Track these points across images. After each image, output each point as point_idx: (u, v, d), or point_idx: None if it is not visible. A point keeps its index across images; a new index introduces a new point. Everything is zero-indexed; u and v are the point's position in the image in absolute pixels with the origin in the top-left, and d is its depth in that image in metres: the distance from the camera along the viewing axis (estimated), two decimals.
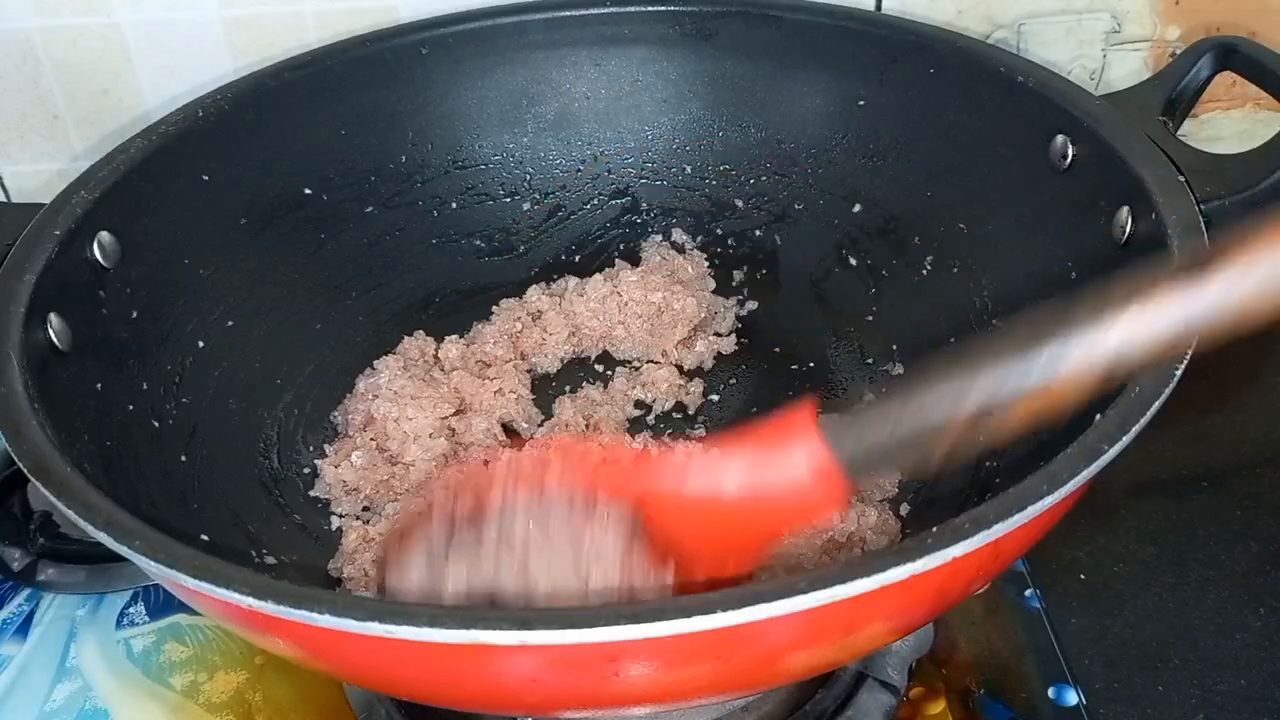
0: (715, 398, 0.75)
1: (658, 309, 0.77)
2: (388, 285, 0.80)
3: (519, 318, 0.78)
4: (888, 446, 0.45)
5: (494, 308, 0.79)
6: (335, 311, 0.77)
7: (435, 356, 0.76)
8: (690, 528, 0.47)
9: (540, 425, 0.73)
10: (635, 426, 0.73)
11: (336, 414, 0.73)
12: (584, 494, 0.47)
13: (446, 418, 0.71)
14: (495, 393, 0.72)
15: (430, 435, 0.69)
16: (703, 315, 0.78)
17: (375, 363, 0.75)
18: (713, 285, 0.81)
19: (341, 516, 0.68)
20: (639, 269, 0.80)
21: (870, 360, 0.75)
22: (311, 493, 0.69)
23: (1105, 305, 0.43)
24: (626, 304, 0.78)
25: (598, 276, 0.79)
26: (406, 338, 0.77)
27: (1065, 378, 0.42)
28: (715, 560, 0.48)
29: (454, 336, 0.77)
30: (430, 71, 0.79)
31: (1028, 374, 0.43)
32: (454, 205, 0.82)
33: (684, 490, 0.47)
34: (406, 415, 0.70)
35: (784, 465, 0.46)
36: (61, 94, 0.85)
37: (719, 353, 0.77)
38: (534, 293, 0.80)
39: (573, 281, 0.80)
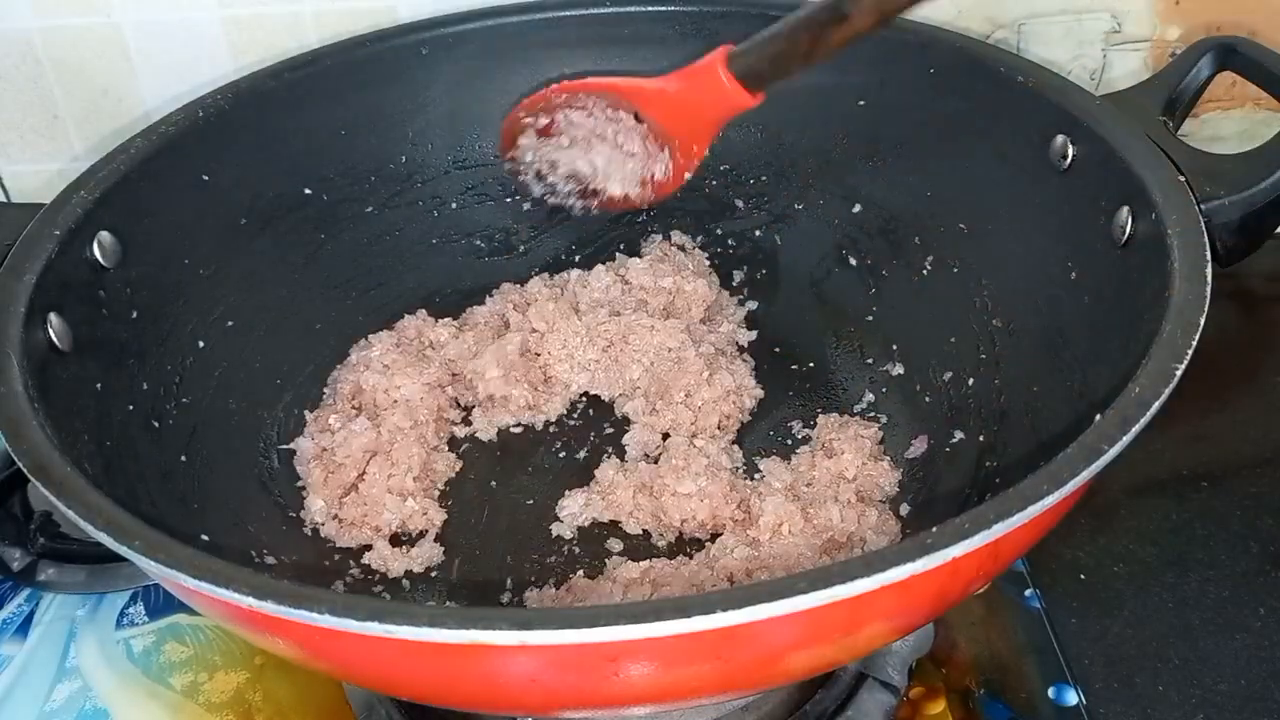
0: None
1: (669, 294, 0.77)
2: (387, 285, 0.80)
3: (513, 301, 0.79)
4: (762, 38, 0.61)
5: (492, 293, 0.81)
6: (335, 311, 0.77)
7: (429, 340, 0.77)
8: (663, 119, 0.67)
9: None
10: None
11: (327, 388, 0.74)
12: (608, 107, 0.69)
13: (433, 385, 0.72)
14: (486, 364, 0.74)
15: (420, 400, 0.71)
16: (715, 296, 0.78)
17: (370, 336, 0.76)
18: (717, 280, 0.81)
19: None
20: (646, 258, 0.81)
21: (870, 360, 0.75)
22: (298, 484, 0.69)
23: None
24: (634, 290, 0.78)
25: (600, 267, 0.79)
26: (407, 315, 0.78)
27: None
28: (683, 146, 0.68)
29: (448, 319, 0.78)
30: (430, 71, 0.79)
31: None
32: (454, 205, 0.82)
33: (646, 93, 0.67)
34: (395, 384, 0.71)
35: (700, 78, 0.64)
36: (61, 94, 0.85)
37: (736, 343, 0.78)
38: (535, 284, 0.80)
39: (575, 273, 0.81)
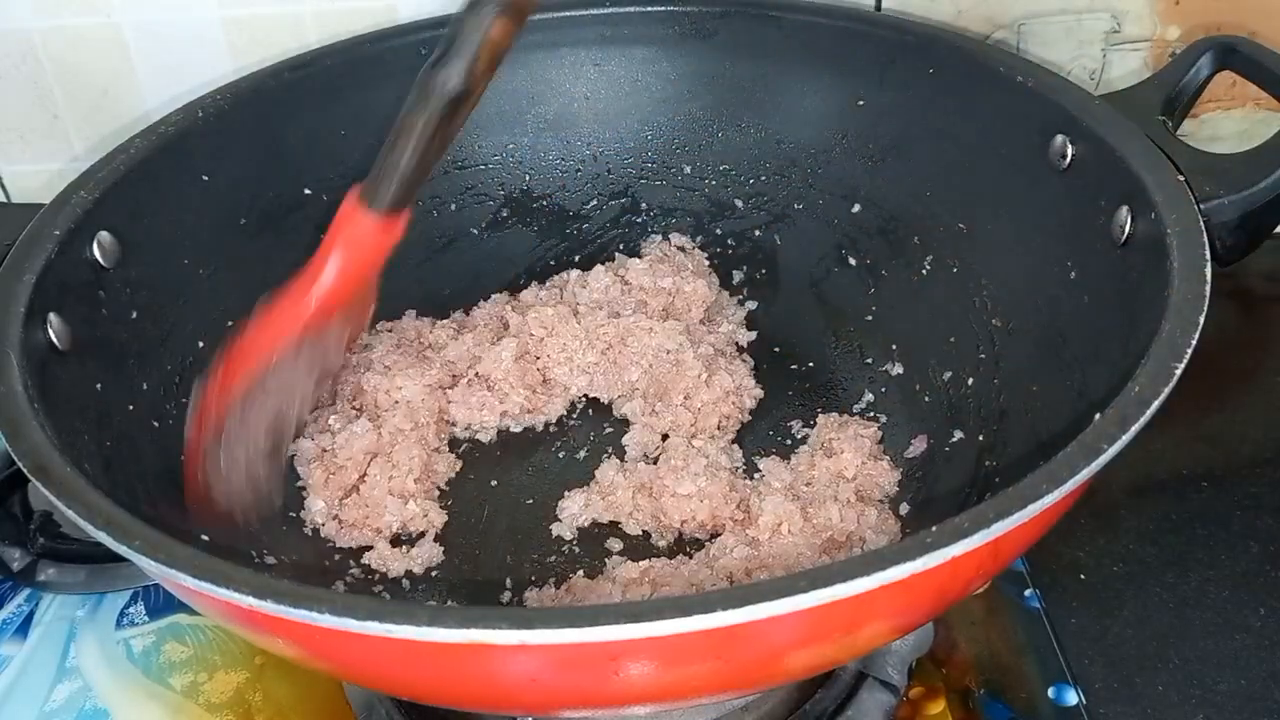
0: None
1: (669, 294, 0.77)
2: (386, 285, 0.79)
3: (512, 303, 0.79)
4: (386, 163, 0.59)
5: (490, 295, 0.81)
6: None
7: (428, 342, 0.77)
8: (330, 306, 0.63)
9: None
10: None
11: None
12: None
13: (434, 386, 0.72)
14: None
15: (420, 401, 0.71)
16: (714, 296, 0.79)
17: (369, 337, 0.76)
18: (717, 280, 0.81)
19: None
20: (646, 258, 0.81)
21: (870, 360, 0.75)
22: (298, 484, 0.69)
23: None
24: (633, 291, 0.78)
25: (599, 268, 0.79)
26: (405, 315, 0.78)
27: None
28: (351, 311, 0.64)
29: (445, 321, 0.78)
30: None
31: None
32: (453, 206, 0.82)
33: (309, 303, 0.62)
34: (395, 385, 0.71)
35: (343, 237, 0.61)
36: (61, 94, 0.85)
37: (736, 343, 0.78)
38: (533, 287, 0.80)
39: (575, 274, 0.81)
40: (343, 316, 0.64)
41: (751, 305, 0.81)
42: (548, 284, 0.81)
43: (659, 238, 0.83)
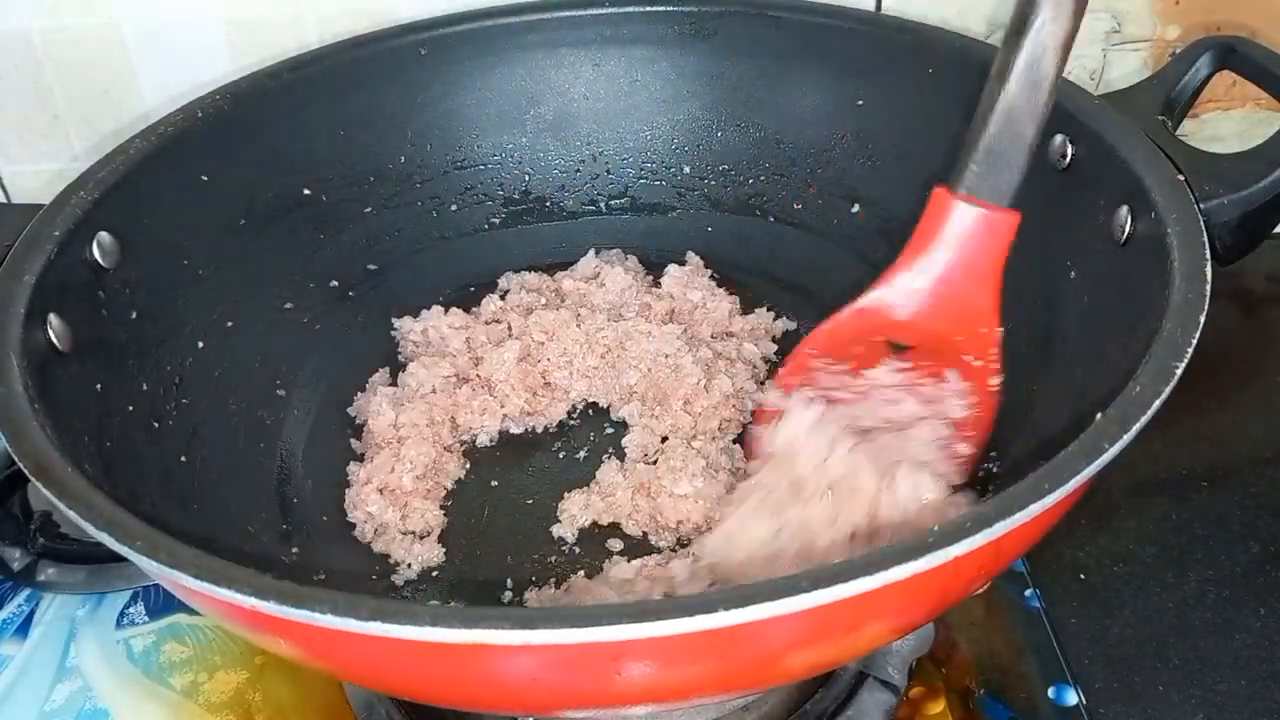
0: None
1: (692, 306, 0.78)
2: (386, 285, 0.80)
3: (514, 306, 0.79)
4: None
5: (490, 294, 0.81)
6: (334, 312, 0.77)
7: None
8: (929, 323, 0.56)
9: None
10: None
11: (351, 410, 0.74)
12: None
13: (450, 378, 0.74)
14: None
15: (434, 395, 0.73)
16: (730, 324, 0.78)
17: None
18: (739, 308, 0.81)
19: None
20: (686, 268, 0.81)
21: None
22: (305, 480, 0.69)
23: None
24: (644, 294, 0.79)
25: (618, 268, 0.80)
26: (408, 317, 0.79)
27: None
28: (968, 342, 0.56)
29: (451, 322, 0.78)
30: (430, 72, 0.79)
31: None
32: (453, 206, 0.82)
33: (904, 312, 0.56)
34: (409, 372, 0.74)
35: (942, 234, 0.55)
36: (61, 94, 0.85)
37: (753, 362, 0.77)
38: (530, 293, 0.80)
39: (589, 267, 0.81)
40: (945, 350, 0.55)
41: (790, 325, 0.79)
42: (556, 276, 0.81)
43: (694, 254, 0.83)
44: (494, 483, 0.71)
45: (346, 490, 0.68)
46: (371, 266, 0.79)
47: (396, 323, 0.78)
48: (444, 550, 0.66)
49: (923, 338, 0.56)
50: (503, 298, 0.79)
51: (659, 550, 0.66)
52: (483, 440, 0.73)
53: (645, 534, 0.67)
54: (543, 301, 0.79)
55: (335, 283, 0.77)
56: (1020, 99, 0.54)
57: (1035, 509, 0.42)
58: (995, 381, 0.57)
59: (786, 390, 0.62)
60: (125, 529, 0.45)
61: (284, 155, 0.75)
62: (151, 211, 0.66)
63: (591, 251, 0.82)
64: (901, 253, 0.56)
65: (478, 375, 0.74)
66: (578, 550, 0.66)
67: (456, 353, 0.75)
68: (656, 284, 0.80)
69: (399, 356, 0.77)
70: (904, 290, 0.56)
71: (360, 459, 0.70)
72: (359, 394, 0.74)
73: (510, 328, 0.76)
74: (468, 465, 0.71)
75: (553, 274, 0.82)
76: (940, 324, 0.56)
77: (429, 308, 0.78)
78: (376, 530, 0.67)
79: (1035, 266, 0.66)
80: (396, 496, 0.67)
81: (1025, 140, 0.54)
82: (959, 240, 0.55)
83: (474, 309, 0.79)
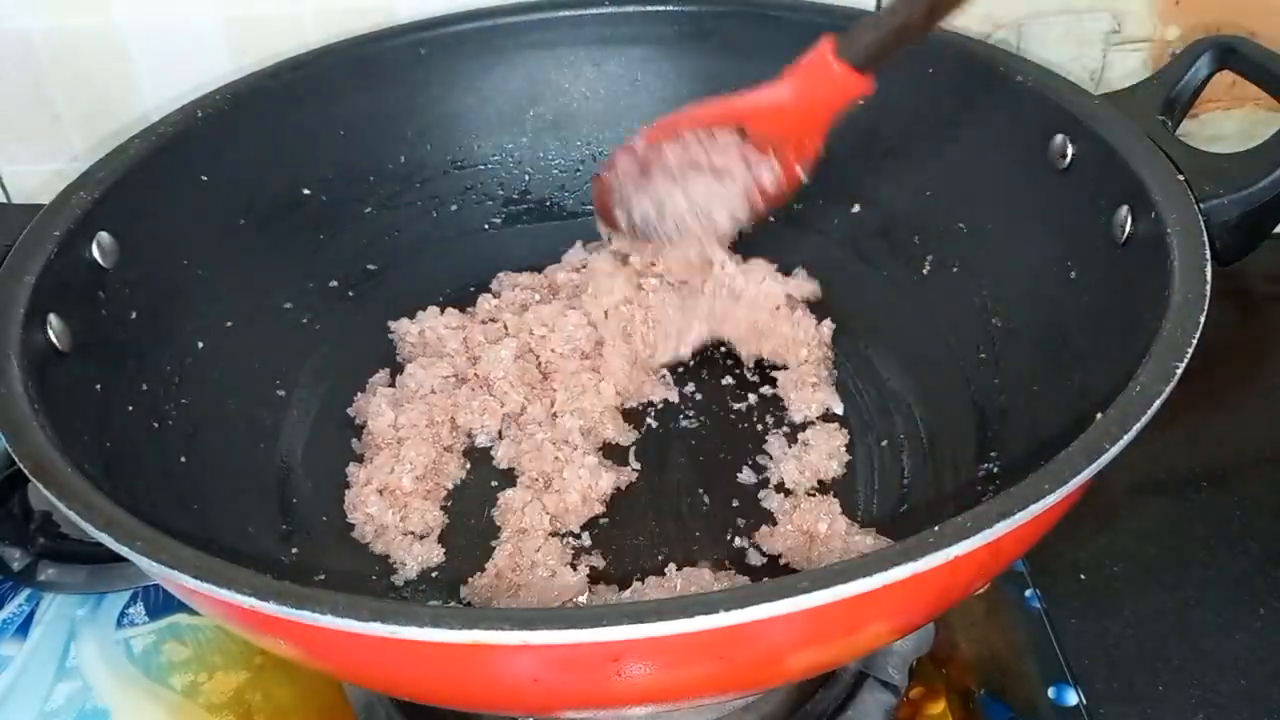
0: (701, 396, 0.75)
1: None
2: (386, 285, 0.80)
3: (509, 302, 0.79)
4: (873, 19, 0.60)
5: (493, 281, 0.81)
6: (334, 311, 0.77)
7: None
8: (771, 128, 0.66)
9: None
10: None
11: (351, 410, 0.74)
12: (703, 131, 0.68)
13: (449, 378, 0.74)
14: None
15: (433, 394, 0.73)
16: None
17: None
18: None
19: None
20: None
21: (870, 360, 0.75)
22: (305, 481, 0.69)
23: None
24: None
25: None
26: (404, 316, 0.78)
27: None
28: (794, 145, 0.66)
29: (448, 321, 0.78)
30: (429, 71, 0.79)
31: None
32: (453, 206, 0.82)
33: (756, 109, 0.66)
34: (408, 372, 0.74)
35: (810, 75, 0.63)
36: (61, 94, 0.85)
37: None
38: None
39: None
40: (776, 142, 0.66)
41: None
42: (547, 271, 0.81)
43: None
44: (494, 482, 0.71)
45: (346, 491, 0.68)
46: (371, 266, 0.79)
47: (393, 325, 0.77)
48: (444, 550, 0.66)
49: (763, 130, 0.66)
50: (497, 297, 0.80)
51: None
52: (482, 440, 0.73)
53: None
54: (536, 298, 0.79)
55: (335, 283, 0.77)
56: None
57: (1035, 509, 0.42)
58: (801, 173, 0.67)
59: (650, 141, 0.70)
60: (125, 529, 0.45)
61: (284, 155, 0.75)
62: (151, 211, 0.66)
63: (579, 243, 0.82)
64: (781, 73, 0.65)
65: (475, 375, 0.74)
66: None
67: (454, 353, 0.75)
68: None
69: (397, 358, 0.77)
70: (768, 97, 0.65)
71: (360, 460, 0.70)
72: (359, 394, 0.74)
73: (506, 326, 0.76)
74: (468, 465, 0.71)
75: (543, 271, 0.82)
76: (779, 128, 0.65)
77: (427, 308, 0.78)
78: (376, 531, 0.66)
79: (1035, 266, 0.66)
80: (396, 497, 0.67)
81: (891, 20, 0.59)
82: (816, 80, 0.63)
83: (470, 309, 0.79)
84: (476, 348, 0.75)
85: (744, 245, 0.82)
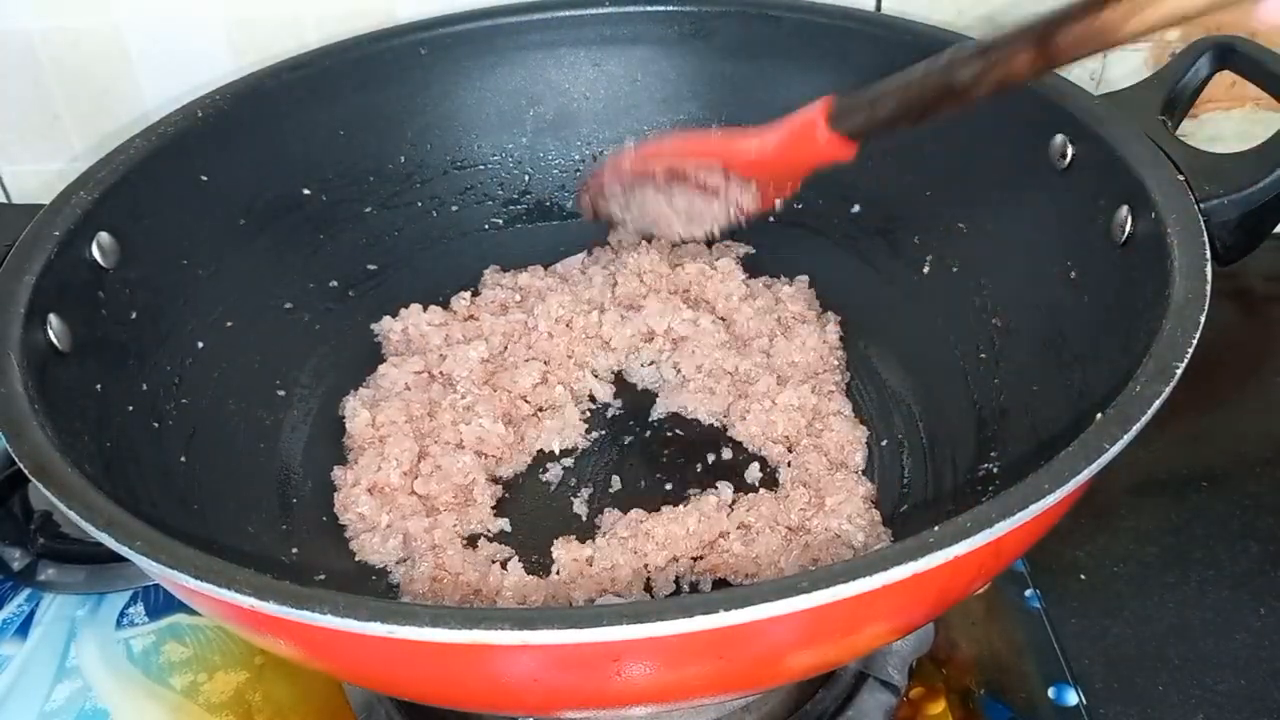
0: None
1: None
2: (386, 285, 0.80)
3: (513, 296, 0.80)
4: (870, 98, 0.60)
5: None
6: (334, 311, 0.77)
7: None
8: (751, 171, 0.67)
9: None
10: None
11: (341, 409, 0.73)
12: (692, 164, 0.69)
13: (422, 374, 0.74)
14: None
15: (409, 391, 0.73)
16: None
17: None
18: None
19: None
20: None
21: (869, 360, 0.75)
22: (305, 480, 0.69)
23: None
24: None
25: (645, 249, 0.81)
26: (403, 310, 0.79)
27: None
28: (774, 185, 0.68)
29: (446, 320, 0.78)
30: (429, 72, 0.79)
31: None
32: (453, 206, 0.82)
33: (741, 155, 0.67)
34: (381, 372, 0.75)
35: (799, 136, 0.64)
36: (61, 94, 0.85)
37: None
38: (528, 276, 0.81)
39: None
40: (754, 181, 0.68)
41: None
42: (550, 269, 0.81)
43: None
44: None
45: (335, 494, 0.68)
46: (371, 266, 0.79)
47: (375, 326, 0.78)
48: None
49: (744, 172, 0.67)
50: (473, 296, 0.80)
51: None
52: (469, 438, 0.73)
53: None
54: (517, 298, 0.80)
55: (335, 283, 0.77)
56: (914, 88, 0.58)
57: (1035, 509, 0.42)
58: (777, 204, 0.68)
59: (638, 158, 0.71)
60: (125, 529, 0.45)
61: (284, 155, 0.75)
62: (151, 211, 0.66)
63: (583, 254, 0.83)
64: (773, 124, 0.65)
65: (441, 373, 0.74)
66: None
67: (436, 349, 0.75)
68: None
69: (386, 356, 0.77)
70: (754, 147, 0.66)
71: (344, 463, 0.70)
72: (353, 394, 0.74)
73: (507, 309, 0.77)
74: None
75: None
76: (760, 172, 0.67)
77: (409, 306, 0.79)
78: (368, 530, 0.66)
79: (1035, 266, 0.66)
80: (386, 494, 0.67)
81: (887, 105, 0.59)
82: (803, 141, 0.63)
83: (451, 307, 0.80)
84: (457, 345, 0.75)
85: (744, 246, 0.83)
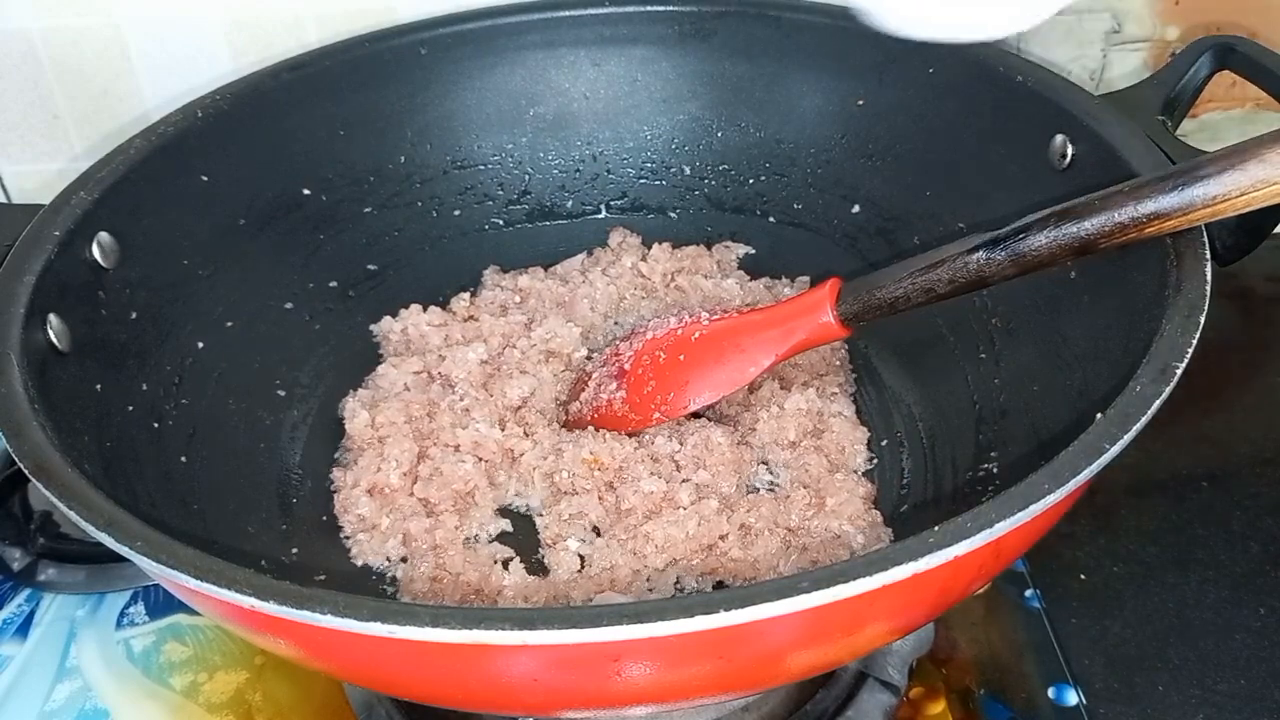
0: None
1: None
2: (386, 286, 0.80)
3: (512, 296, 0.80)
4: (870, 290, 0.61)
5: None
6: (334, 311, 0.77)
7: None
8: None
9: None
10: None
11: (341, 410, 0.73)
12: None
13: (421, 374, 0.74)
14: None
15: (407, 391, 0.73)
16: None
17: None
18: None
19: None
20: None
21: (870, 360, 0.75)
22: (305, 481, 0.69)
23: None
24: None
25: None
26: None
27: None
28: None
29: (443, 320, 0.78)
30: (429, 72, 0.79)
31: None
32: (454, 207, 0.82)
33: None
34: (378, 372, 0.74)
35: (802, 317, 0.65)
36: (61, 94, 0.85)
37: None
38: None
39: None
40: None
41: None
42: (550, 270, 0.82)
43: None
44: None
45: (335, 496, 0.68)
46: (371, 266, 0.79)
47: (374, 326, 0.78)
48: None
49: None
50: (473, 296, 0.80)
51: None
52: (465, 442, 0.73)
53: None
54: (516, 299, 0.80)
55: (335, 283, 0.77)
56: (915, 288, 0.60)
57: (1035, 509, 0.42)
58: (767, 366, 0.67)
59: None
60: (125, 529, 0.45)
61: (284, 155, 0.75)
62: (151, 211, 0.66)
63: (583, 255, 0.83)
64: (776, 303, 0.69)
65: (440, 373, 0.74)
66: None
67: (436, 349, 0.75)
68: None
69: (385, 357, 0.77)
70: (760, 324, 0.67)
71: (342, 465, 0.70)
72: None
73: (506, 310, 0.77)
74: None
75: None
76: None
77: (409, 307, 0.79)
78: (368, 531, 0.66)
79: None
80: (386, 496, 0.67)
81: (892, 292, 0.61)
82: (808, 322, 0.65)
83: (450, 307, 0.80)
84: (456, 345, 0.75)
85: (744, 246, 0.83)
